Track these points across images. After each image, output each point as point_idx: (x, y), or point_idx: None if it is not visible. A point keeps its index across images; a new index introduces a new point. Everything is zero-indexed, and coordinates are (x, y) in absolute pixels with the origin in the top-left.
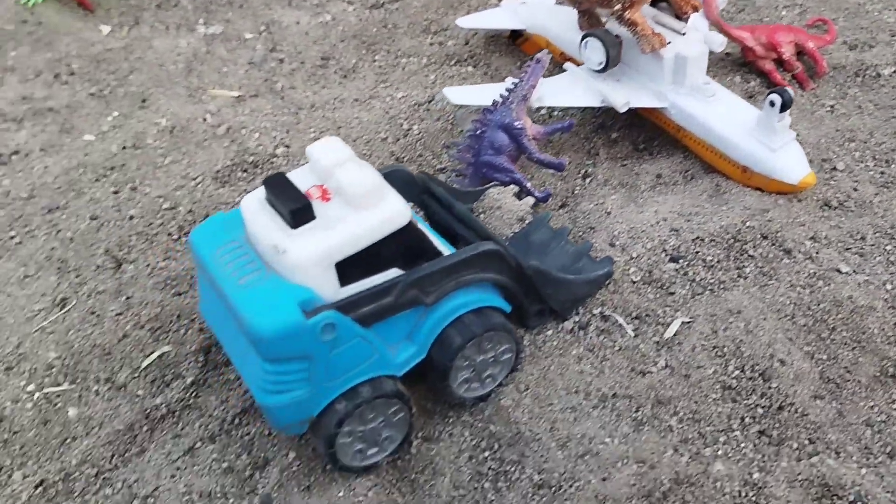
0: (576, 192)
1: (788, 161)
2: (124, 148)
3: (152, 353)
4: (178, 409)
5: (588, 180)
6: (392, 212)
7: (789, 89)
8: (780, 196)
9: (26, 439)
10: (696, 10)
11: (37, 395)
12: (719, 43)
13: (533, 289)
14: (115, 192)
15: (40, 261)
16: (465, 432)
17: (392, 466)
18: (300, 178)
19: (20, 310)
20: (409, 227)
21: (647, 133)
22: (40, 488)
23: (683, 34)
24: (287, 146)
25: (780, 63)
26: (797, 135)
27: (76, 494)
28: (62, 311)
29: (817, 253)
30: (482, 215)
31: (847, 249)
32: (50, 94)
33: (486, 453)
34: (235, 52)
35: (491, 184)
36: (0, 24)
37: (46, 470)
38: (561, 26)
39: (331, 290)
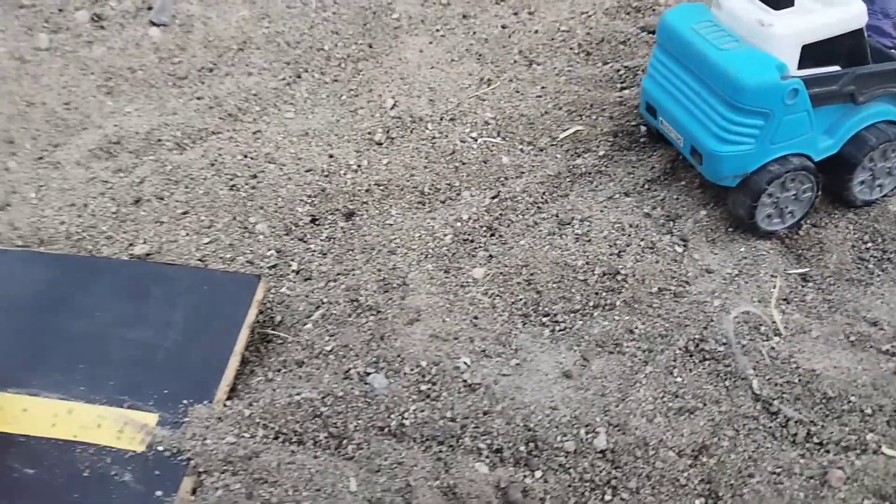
0: None
1: None
2: None
3: (569, 129)
4: (592, 171)
5: None
6: (855, 13)
7: None
8: None
9: (471, 171)
10: None
11: (478, 140)
12: None
13: None
14: (515, 14)
15: (461, 51)
16: (849, 226)
17: (781, 242)
18: None
19: (453, 82)
20: (860, 32)
21: None
22: (495, 199)
23: None
24: None
25: None
26: None
27: (518, 212)
28: (489, 87)
29: None
30: None
31: None
32: None
33: (869, 244)
34: None
35: None
36: None
37: (495, 191)
38: None
39: (791, 67)
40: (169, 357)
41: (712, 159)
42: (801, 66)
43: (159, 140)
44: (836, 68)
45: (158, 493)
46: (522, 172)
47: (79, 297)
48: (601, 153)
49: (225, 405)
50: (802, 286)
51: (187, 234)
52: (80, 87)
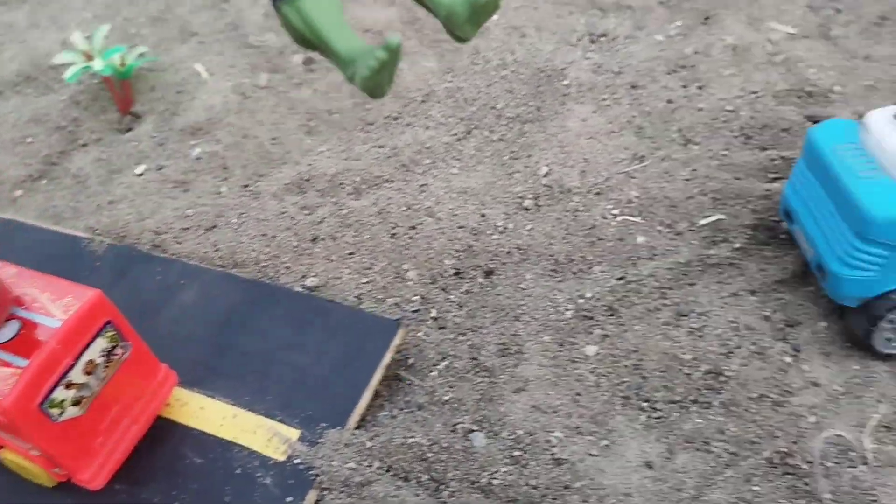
0: None
1: None
2: (696, 52)
3: (710, 216)
4: (724, 263)
5: None
6: None
7: None
8: None
9: (605, 247)
10: None
11: (617, 218)
12: None
13: None
14: (684, 87)
15: (622, 123)
16: None
17: None
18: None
19: (608, 154)
20: None
21: None
22: (621, 280)
23: None
24: (843, 86)
25: None
26: None
27: (642, 295)
28: (640, 164)
29: None
30: None
31: None
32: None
33: None
34: None
35: None
36: None
37: (623, 271)
38: None
39: None
40: (317, 383)
41: (835, 280)
42: None
43: (341, 184)
44: None
45: (289, 499)
46: (655, 255)
47: (258, 319)
48: (737, 245)
49: (353, 433)
50: None
51: (350, 273)
52: (287, 125)
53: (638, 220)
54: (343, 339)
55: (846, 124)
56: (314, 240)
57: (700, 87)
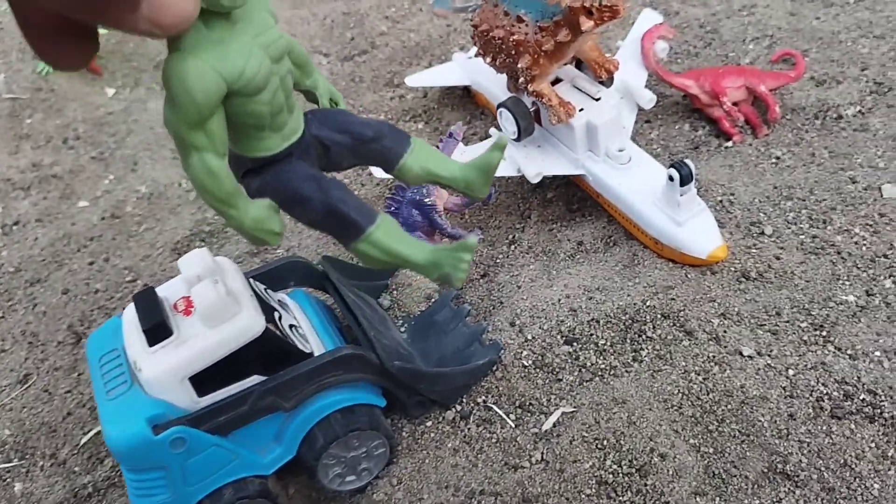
0: (498, 260)
1: (695, 235)
2: (103, 219)
3: (90, 431)
4: (103, 487)
5: (513, 247)
6: (244, 325)
7: (688, 162)
8: (694, 268)
9: None
10: (610, 73)
11: None
12: (648, 99)
13: (405, 384)
14: (91, 264)
15: (16, 335)
16: None
17: None
18: (173, 289)
19: None
20: (265, 337)
21: (582, 192)
22: None
23: (597, 99)
24: None
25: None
26: (731, 194)
27: None
28: (23, 388)
29: (724, 332)
30: (395, 291)
31: (760, 326)
32: (57, 159)
33: None
34: None
35: None
36: (18, 94)
37: None
38: (494, 85)
39: (188, 401)
40: None
41: None
42: (204, 392)
43: None
44: (255, 379)
45: None
46: (34, 502)
47: None
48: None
49: None
50: None
51: None
52: None
53: (15, 463)
54: None
55: (119, 324)
56: None
57: (106, 260)
